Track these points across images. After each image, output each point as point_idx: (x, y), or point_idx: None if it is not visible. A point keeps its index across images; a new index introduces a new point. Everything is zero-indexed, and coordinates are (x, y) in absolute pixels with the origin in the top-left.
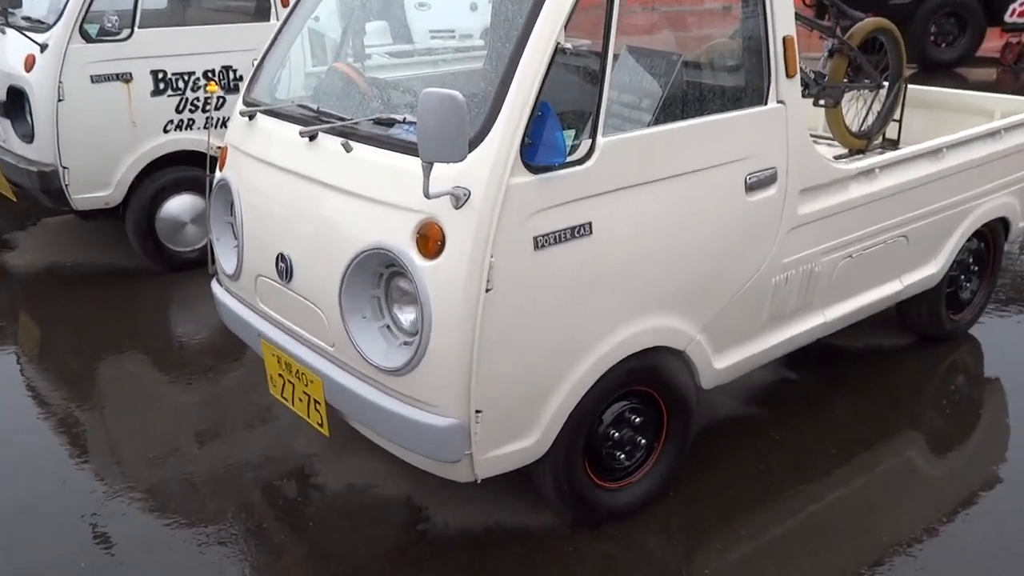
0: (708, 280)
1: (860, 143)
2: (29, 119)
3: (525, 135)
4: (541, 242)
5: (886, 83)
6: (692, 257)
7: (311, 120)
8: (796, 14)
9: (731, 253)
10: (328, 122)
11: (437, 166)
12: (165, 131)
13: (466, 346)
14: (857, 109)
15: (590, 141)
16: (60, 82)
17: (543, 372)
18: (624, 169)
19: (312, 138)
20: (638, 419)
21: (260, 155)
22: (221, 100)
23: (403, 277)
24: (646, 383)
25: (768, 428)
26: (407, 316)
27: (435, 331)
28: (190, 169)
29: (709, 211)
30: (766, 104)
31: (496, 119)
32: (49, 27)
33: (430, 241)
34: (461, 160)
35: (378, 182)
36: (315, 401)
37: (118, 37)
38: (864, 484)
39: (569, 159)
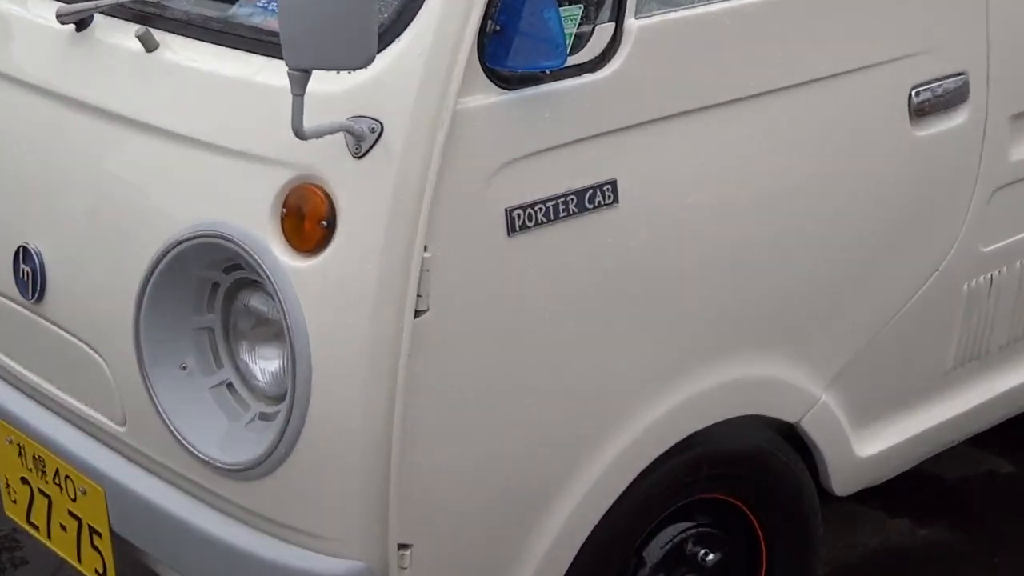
0: (840, 290)
1: None
2: None
3: (488, 18)
4: (520, 220)
5: None
6: (808, 247)
7: None
8: None
9: (883, 238)
10: None
11: (319, 80)
12: None
13: (377, 422)
14: None
15: (612, 27)
16: None
17: (527, 470)
18: (675, 80)
19: (81, 25)
20: (710, 555)
21: None
22: None
23: (256, 290)
24: (725, 488)
25: (972, 551)
26: (265, 365)
27: (318, 393)
28: None
29: (841, 158)
30: None
31: None
32: None
33: (307, 221)
34: (364, 65)
35: (206, 110)
36: (92, 530)
37: None
38: None
39: (572, 61)
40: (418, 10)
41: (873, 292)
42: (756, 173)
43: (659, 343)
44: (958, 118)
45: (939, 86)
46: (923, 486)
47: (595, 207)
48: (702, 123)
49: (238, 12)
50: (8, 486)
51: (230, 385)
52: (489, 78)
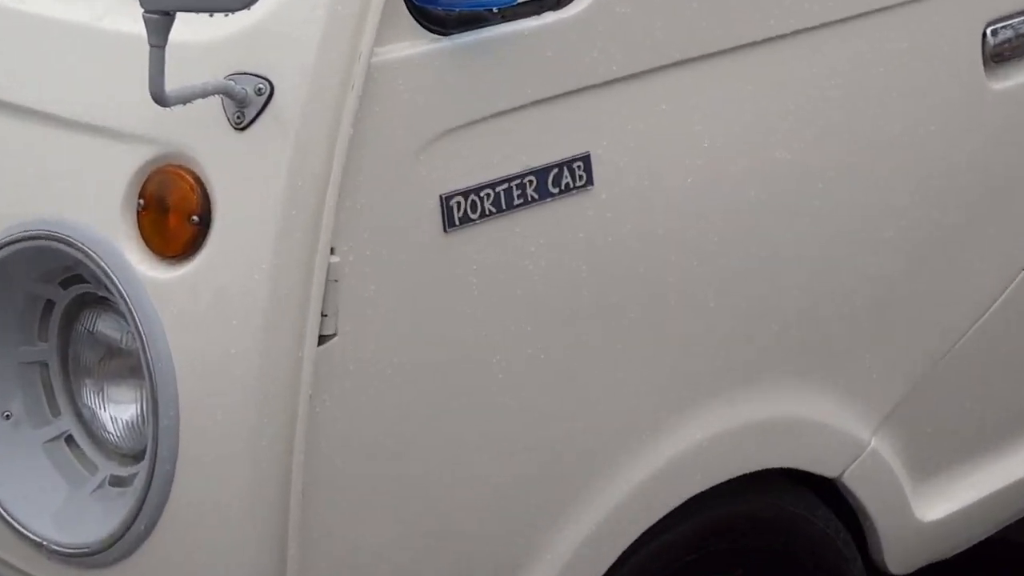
0: (893, 300)
1: None
2: None
3: None
4: (461, 211)
5: None
6: (849, 243)
7: None
8: None
9: (948, 229)
10: None
11: (185, 26)
12: None
13: (269, 486)
14: None
15: None
16: None
17: (471, 549)
18: (669, 19)
19: None
20: None
21: None
22: None
23: (104, 310)
24: (741, 568)
25: None
26: (117, 411)
27: (188, 448)
28: None
29: (891, 123)
30: None
31: None
32: None
33: (171, 215)
34: (246, 6)
35: (35, 68)
36: None
37: None
38: None
39: None
40: None
41: (938, 302)
42: (778, 145)
43: (649, 375)
44: None
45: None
46: (985, 551)
47: (562, 191)
48: (705, 77)
49: None
50: None
51: (70, 438)
52: (417, 19)
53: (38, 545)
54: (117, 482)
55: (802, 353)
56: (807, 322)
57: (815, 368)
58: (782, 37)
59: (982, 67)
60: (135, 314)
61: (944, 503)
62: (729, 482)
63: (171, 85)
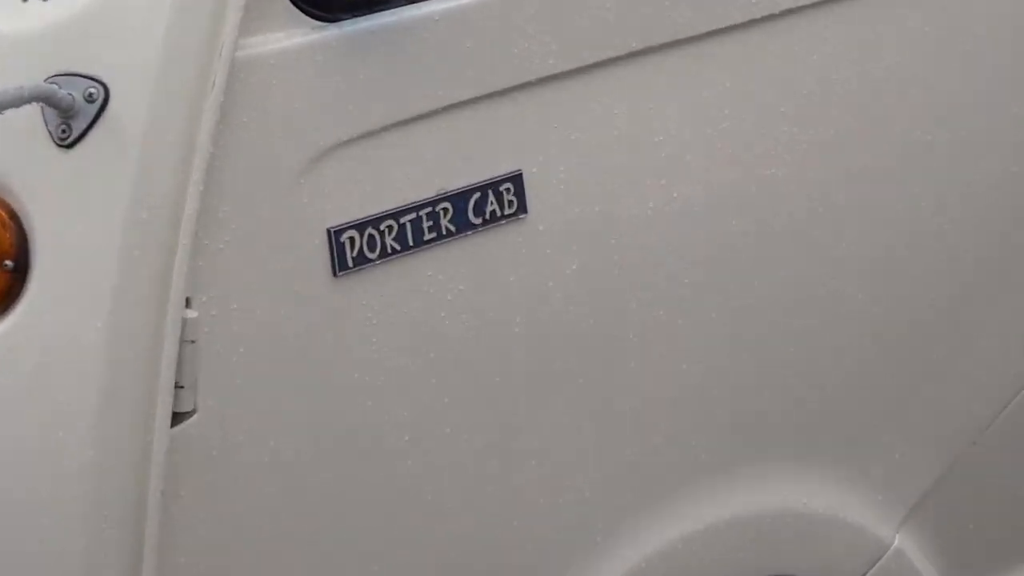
0: (923, 360)
1: None
2: None
3: None
4: (356, 249)
5: None
6: (860, 282)
7: None
8: None
9: (991, 264)
10: None
11: None
12: None
13: None
14: None
15: None
16: None
17: None
18: None
19: None
20: None
21: None
22: None
23: None
24: None
25: None
26: None
27: (6, 560)
28: None
29: (921, 120)
30: None
31: None
32: None
33: None
34: None
35: None
36: None
37: None
38: None
39: None
40: None
41: (971, 372)
42: (769, 157)
43: (603, 461)
44: None
45: None
46: None
47: (487, 221)
48: (669, 71)
49: None
50: None
51: None
52: (295, 3)
53: None
54: None
55: (807, 433)
56: (811, 393)
57: (824, 452)
58: (769, 19)
59: None
60: None
61: None
62: None
63: None
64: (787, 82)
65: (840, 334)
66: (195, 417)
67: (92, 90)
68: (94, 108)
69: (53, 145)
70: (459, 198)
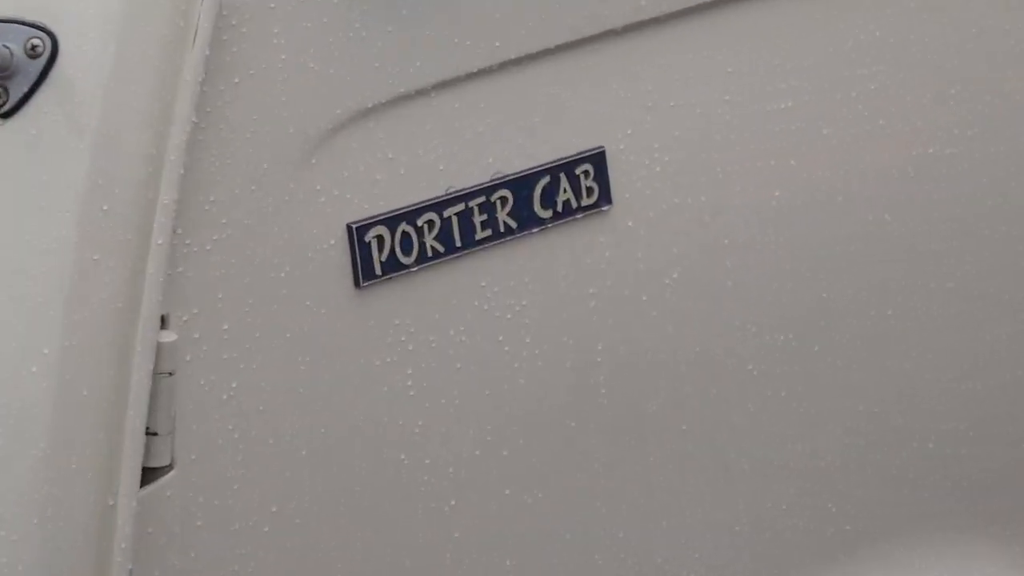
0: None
1: None
2: None
3: None
4: (384, 251)
5: None
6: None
7: None
8: None
9: None
10: None
11: None
12: None
13: None
14: None
15: None
16: None
17: None
18: None
19: None
20: None
21: None
22: None
23: None
24: None
25: None
26: None
27: None
28: None
29: (982, 115)
30: None
31: None
32: None
33: None
34: None
35: None
36: None
37: None
38: None
39: None
40: None
41: None
42: (927, 124)
43: (671, 541)
44: None
45: None
46: None
47: (559, 214)
48: (804, 7)
49: None
50: None
51: None
52: None
53: None
54: None
55: (919, 498)
56: (941, 454)
57: (934, 518)
58: None
59: None
60: None
61: None
62: None
63: None
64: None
65: (971, 362)
66: (172, 474)
67: (36, 41)
68: (38, 64)
69: None
70: (521, 184)
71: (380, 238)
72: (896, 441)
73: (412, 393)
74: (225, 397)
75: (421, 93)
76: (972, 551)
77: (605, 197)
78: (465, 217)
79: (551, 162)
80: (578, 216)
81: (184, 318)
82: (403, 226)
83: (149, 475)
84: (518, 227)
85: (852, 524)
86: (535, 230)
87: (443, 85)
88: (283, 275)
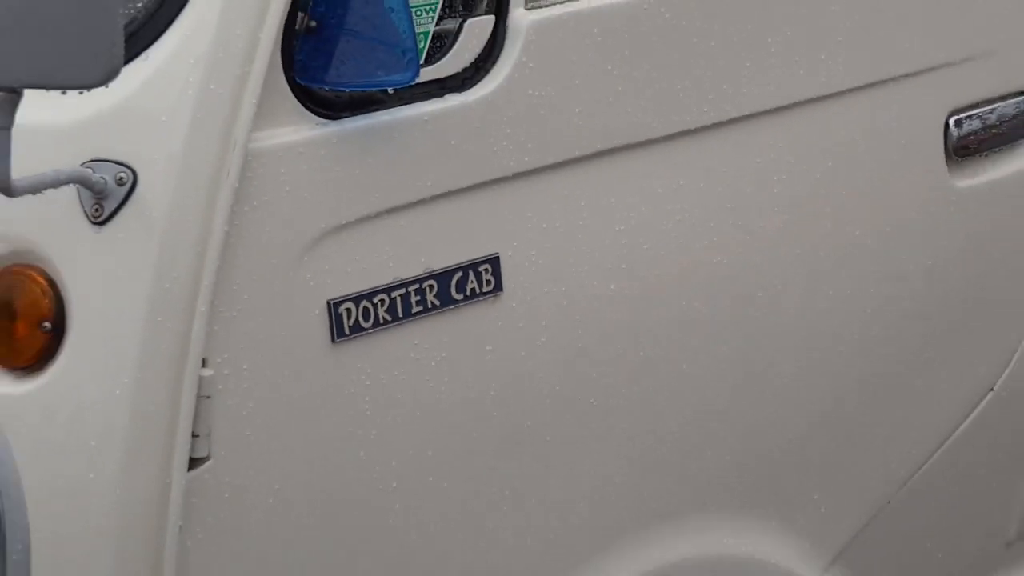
0: (846, 422)
1: None
2: None
3: (299, 8)
4: (352, 319)
5: None
6: (795, 357)
7: None
8: None
9: (909, 343)
10: None
11: (35, 105)
12: None
13: None
14: None
15: (491, 22)
16: None
17: None
18: (589, 102)
19: None
20: None
21: None
22: None
23: None
24: None
25: None
26: None
27: None
28: None
29: (844, 225)
30: None
31: None
32: None
33: (20, 322)
34: (105, 82)
35: None
36: None
37: None
38: None
39: (429, 75)
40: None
41: (896, 424)
42: (714, 249)
43: (564, 512)
44: (1019, 161)
45: (991, 112)
46: None
47: (467, 298)
48: (630, 170)
49: None
50: None
51: None
52: (301, 101)
53: None
54: None
55: (738, 484)
56: (744, 449)
57: (753, 501)
58: (719, 125)
59: (944, 163)
60: None
61: None
62: None
63: (19, 173)
64: (732, 182)
65: (774, 408)
66: (209, 463)
67: (122, 175)
68: (123, 191)
69: (88, 222)
70: (443, 276)
71: (349, 310)
72: (693, 449)
73: (369, 412)
74: (245, 413)
75: (376, 215)
76: (746, 519)
77: (499, 286)
78: (406, 297)
79: (463, 262)
80: (480, 299)
81: (218, 360)
82: (364, 302)
83: (193, 463)
84: (440, 305)
85: (667, 500)
86: (451, 307)
87: (390, 210)
88: (284, 332)
